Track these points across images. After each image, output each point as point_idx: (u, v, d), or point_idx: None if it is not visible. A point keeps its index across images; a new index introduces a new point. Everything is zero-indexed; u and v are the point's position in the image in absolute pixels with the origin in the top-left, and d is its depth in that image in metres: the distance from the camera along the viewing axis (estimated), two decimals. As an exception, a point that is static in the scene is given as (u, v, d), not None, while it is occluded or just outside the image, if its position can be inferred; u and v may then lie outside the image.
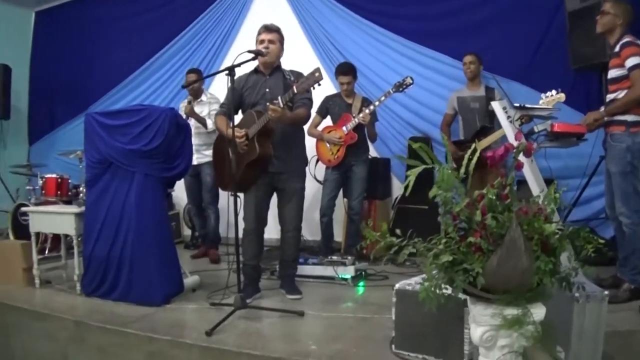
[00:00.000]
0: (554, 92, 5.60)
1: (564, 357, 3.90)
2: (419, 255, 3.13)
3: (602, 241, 3.17)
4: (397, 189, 8.63)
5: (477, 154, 3.24)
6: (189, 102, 7.95)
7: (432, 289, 3.05)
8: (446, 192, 3.12)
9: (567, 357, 3.86)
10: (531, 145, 3.33)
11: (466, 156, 3.25)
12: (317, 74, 5.31)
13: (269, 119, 5.41)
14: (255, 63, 5.80)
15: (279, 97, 5.43)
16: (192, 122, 7.82)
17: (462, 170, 3.18)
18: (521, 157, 3.37)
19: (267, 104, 5.44)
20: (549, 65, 7.58)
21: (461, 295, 3.22)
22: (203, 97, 8.08)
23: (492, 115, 7.17)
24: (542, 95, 5.67)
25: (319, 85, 5.43)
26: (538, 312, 3.04)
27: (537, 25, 7.78)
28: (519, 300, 2.96)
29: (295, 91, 5.39)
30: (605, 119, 5.44)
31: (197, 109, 7.96)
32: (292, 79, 5.73)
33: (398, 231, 3.20)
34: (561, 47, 7.36)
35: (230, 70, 5.24)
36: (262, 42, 5.77)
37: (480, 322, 3.07)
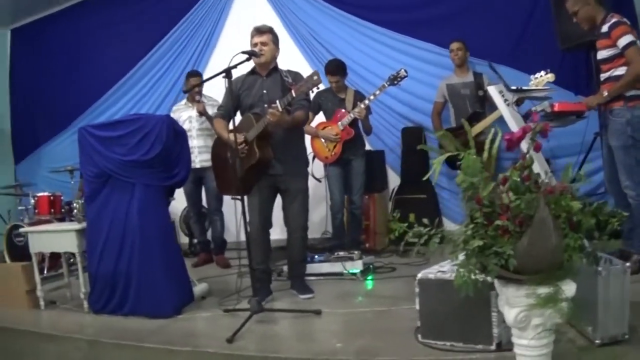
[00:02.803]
0: (542, 72, 5.63)
1: (591, 330, 3.94)
2: (446, 242, 3.14)
3: (625, 214, 3.20)
4: (393, 180, 8.62)
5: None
6: (198, 101, 7.88)
7: (468, 274, 3.05)
8: (472, 177, 3.12)
9: (595, 329, 3.89)
10: (548, 125, 3.33)
11: (487, 140, 3.26)
12: (315, 77, 5.32)
13: (268, 122, 5.41)
14: (251, 64, 5.79)
15: (278, 101, 5.42)
16: (194, 124, 7.85)
17: (485, 154, 3.18)
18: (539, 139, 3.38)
19: (266, 106, 5.45)
20: (536, 47, 7.66)
21: (489, 279, 3.22)
22: (203, 100, 8.01)
23: (482, 100, 7.21)
24: (531, 76, 5.70)
25: (318, 88, 5.45)
26: (569, 288, 3.06)
27: (522, 7, 7.86)
28: (550, 279, 2.98)
29: (294, 95, 5.39)
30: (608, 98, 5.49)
31: (193, 113, 7.95)
32: (290, 80, 5.71)
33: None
34: (547, 28, 7.41)
35: (228, 73, 5.21)
36: (255, 45, 5.75)
37: (514, 303, 3.09)
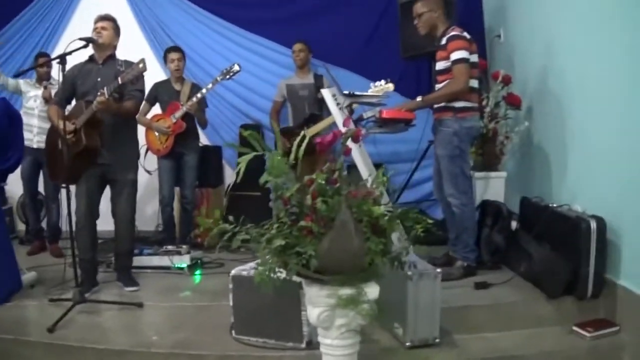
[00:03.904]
0: (383, 82, 5.73)
1: (401, 332, 4.07)
2: (252, 240, 3.19)
3: (430, 221, 3.32)
4: (230, 176, 8.64)
5: (307, 141, 3.32)
6: (45, 87, 7.72)
7: (267, 273, 3.10)
8: (277, 178, 3.18)
9: (405, 332, 4.04)
10: (359, 131, 3.43)
11: (295, 142, 3.33)
12: (141, 65, 5.27)
13: (95, 109, 5.34)
14: (90, 52, 5.74)
15: (105, 88, 5.33)
16: (38, 104, 7.63)
17: (292, 156, 3.25)
18: (350, 143, 3.47)
19: (99, 94, 5.38)
20: (381, 54, 7.82)
21: (296, 278, 3.29)
22: (52, 82, 7.85)
23: (321, 102, 7.30)
24: (372, 84, 5.80)
25: (143, 75, 5.44)
26: (372, 291, 3.14)
27: (370, 15, 8.04)
28: (352, 281, 3.04)
29: (120, 82, 5.33)
30: (435, 106, 5.68)
31: (39, 93, 7.73)
32: (123, 69, 5.63)
33: (231, 218, 3.23)
34: (393, 37, 7.59)
35: (62, 59, 5.15)
36: (95, 29, 5.71)
37: (316, 303, 3.15)
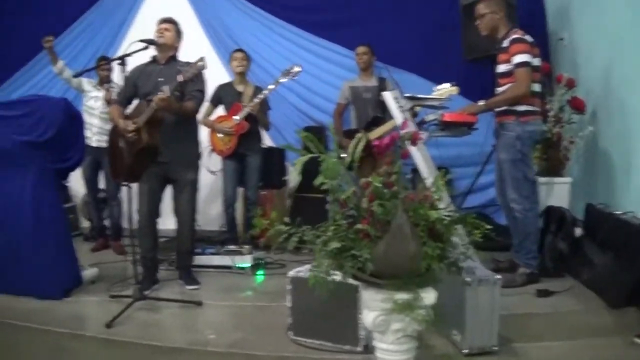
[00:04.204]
0: (447, 84, 5.68)
1: (459, 339, 4.01)
2: (309, 242, 3.18)
3: (489, 227, 3.24)
4: (293, 178, 8.55)
5: (365, 143, 3.30)
6: (107, 90, 7.83)
7: (322, 275, 3.09)
8: (331, 180, 3.16)
9: (463, 339, 3.97)
10: (417, 133, 3.40)
11: (351, 145, 3.31)
12: (199, 63, 5.31)
13: (156, 108, 5.38)
14: (152, 54, 5.81)
15: (165, 87, 5.38)
16: (99, 104, 7.77)
17: (349, 158, 3.23)
18: (408, 146, 3.44)
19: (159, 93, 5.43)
20: (443, 57, 7.76)
21: (353, 281, 3.27)
22: (113, 85, 7.96)
23: (384, 105, 7.26)
24: (435, 87, 5.76)
25: (203, 74, 5.48)
26: (429, 296, 3.10)
27: (432, 17, 7.98)
28: (408, 285, 3.01)
29: (180, 80, 5.36)
30: (497, 110, 5.62)
31: (100, 95, 7.84)
32: (184, 68, 5.66)
33: (288, 220, 3.23)
34: (455, 39, 7.54)
35: (122, 60, 5.23)
36: (157, 30, 5.79)
37: (372, 307, 3.13)
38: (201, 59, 5.34)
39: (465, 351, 4.01)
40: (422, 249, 2.99)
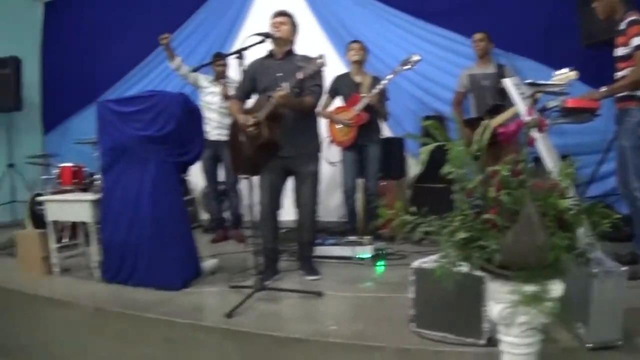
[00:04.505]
0: (566, 69, 5.56)
1: (583, 333, 3.91)
2: (434, 233, 3.14)
3: (618, 216, 3.14)
4: (412, 168, 8.60)
5: (490, 131, 3.24)
6: (223, 85, 8.01)
7: (448, 266, 3.05)
8: (459, 169, 3.12)
9: (587, 332, 3.87)
10: (544, 120, 3.32)
11: (477, 132, 3.25)
12: (319, 61, 5.36)
13: (275, 104, 5.43)
14: (268, 48, 5.84)
15: (285, 83, 5.42)
16: (216, 99, 7.99)
17: (475, 147, 3.18)
18: (534, 133, 3.36)
19: (277, 89, 5.46)
20: (560, 41, 7.60)
21: (479, 273, 3.22)
22: (228, 80, 8.12)
23: (503, 92, 7.15)
24: (554, 72, 5.64)
25: (322, 70, 5.47)
26: (556, 288, 3.03)
27: (549, 2, 7.78)
28: (536, 277, 2.95)
29: (300, 77, 5.41)
30: (617, 95, 5.45)
31: (218, 90, 8.08)
32: (302, 64, 5.67)
33: (414, 209, 3.19)
34: (572, 23, 7.38)
35: (240, 54, 5.25)
36: (273, 24, 5.79)
37: (499, 299, 3.08)
38: (320, 56, 5.38)
39: (589, 345, 3.89)
40: (550, 239, 2.92)
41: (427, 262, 4.21)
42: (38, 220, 8.22)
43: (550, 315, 3.01)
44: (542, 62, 7.44)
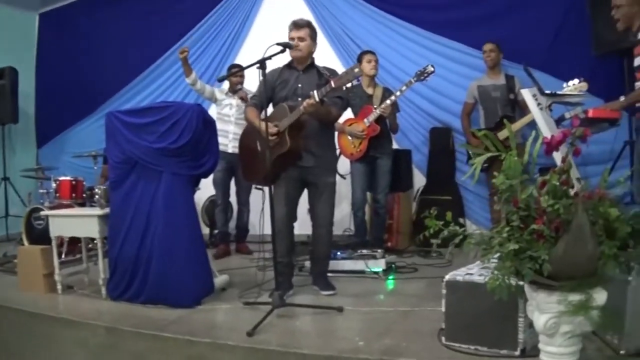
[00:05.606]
0: (576, 80, 5.56)
1: (617, 340, 3.88)
2: (479, 244, 3.11)
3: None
4: (419, 180, 8.57)
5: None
6: (240, 89, 8.03)
7: (503, 278, 3.02)
8: (512, 179, 3.08)
9: (621, 339, 3.83)
10: (587, 130, 3.30)
11: (528, 143, 3.23)
12: (356, 70, 5.25)
13: (303, 112, 5.37)
14: (288, 57, 5.76)
15: (314, 92, 5.36)
16: (233, 111, 7.98)
17: (526, 157, 3.16)
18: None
19: (300, 99, 5.46)
20: (569, 52, 7.59)
21: (521, 283, 3.19)
22: (244, 89, 8.11)
23: (513, 104, 7.16)
24: (564, 84, 5.64)
25: (358, 81, 5.41)
26: (600, 296, 3.05)
27: (557, 11, 7.80)
28: (582, 286, 2.96)
29: (333, 86, 5.33)
30: (637, 105, 5.43)
31: (234, 101, 8.06)
32: (328, 74, 5.65)
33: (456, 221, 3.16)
34: (581, 33, 7.37)
35: (262, 64, 5.18)
36: (292, 39, 5.71)
37: (545, 309, 3.07)
38: (356, 66, 5.32)
39: (623, 352, 3.84)
40: (599, 248, 2.92)
41: (460, 274, 4.16)
42: (34, 235, 8.14)
43: (595, 324, 3.03)
44: (550, 73, 7.39)
